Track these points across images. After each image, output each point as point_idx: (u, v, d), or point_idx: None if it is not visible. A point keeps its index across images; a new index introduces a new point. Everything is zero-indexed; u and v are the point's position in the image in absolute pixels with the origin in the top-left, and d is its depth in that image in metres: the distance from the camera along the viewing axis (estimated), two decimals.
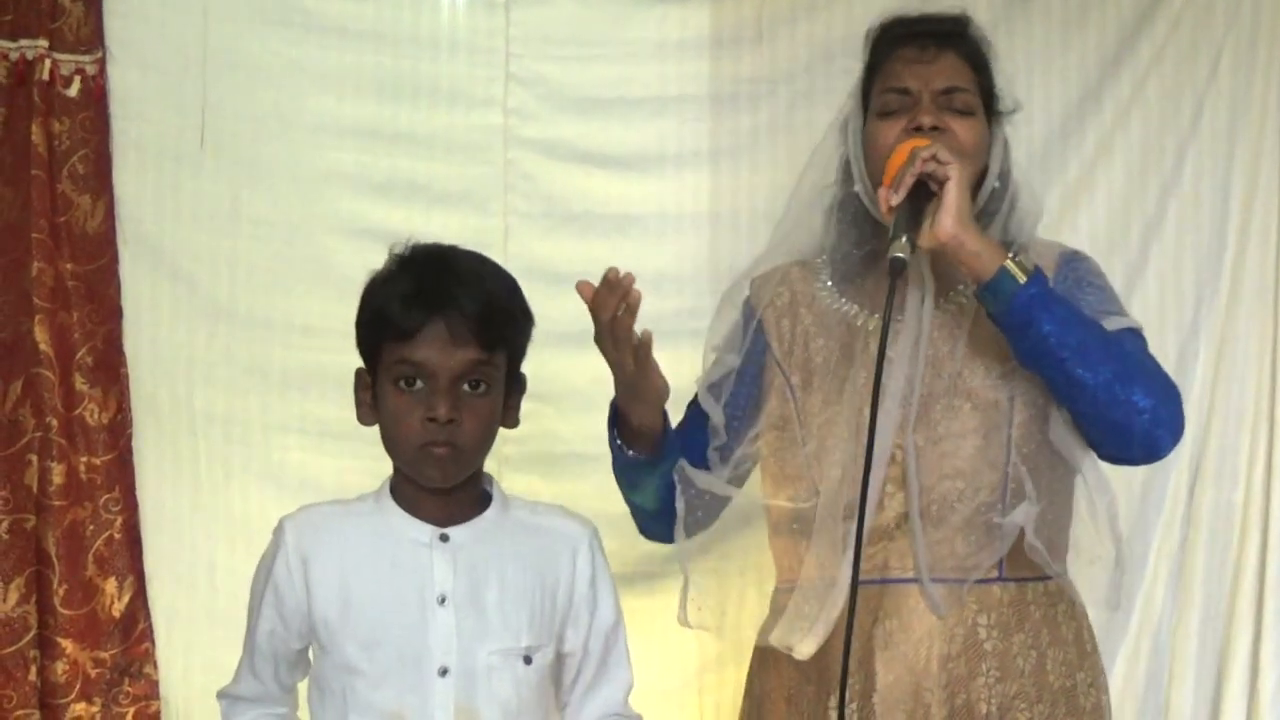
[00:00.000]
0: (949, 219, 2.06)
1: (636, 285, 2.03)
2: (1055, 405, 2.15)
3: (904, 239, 2.03)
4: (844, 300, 2.27)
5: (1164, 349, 2.25)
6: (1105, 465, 2.18)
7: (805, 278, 2.31)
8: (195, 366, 2.97)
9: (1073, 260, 2.27)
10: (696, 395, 2.30)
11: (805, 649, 2.19)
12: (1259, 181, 3.10)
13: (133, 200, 2.95)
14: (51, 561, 2.85)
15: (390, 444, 2.01)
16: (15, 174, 2.88)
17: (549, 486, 2.80)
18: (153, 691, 2.91)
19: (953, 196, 2.06)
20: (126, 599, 2.90)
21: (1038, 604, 2.20)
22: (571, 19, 3.07)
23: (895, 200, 2.07)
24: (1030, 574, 2.18)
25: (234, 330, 2.98)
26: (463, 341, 1.94)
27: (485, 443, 2.02)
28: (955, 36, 2.24)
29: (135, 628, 2.91)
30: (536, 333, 2.06)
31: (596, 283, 2.03)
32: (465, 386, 1.96)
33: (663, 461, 2.21)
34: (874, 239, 2.21)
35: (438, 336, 1.94)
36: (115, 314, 2.93)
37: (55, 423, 2.85)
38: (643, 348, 2.07)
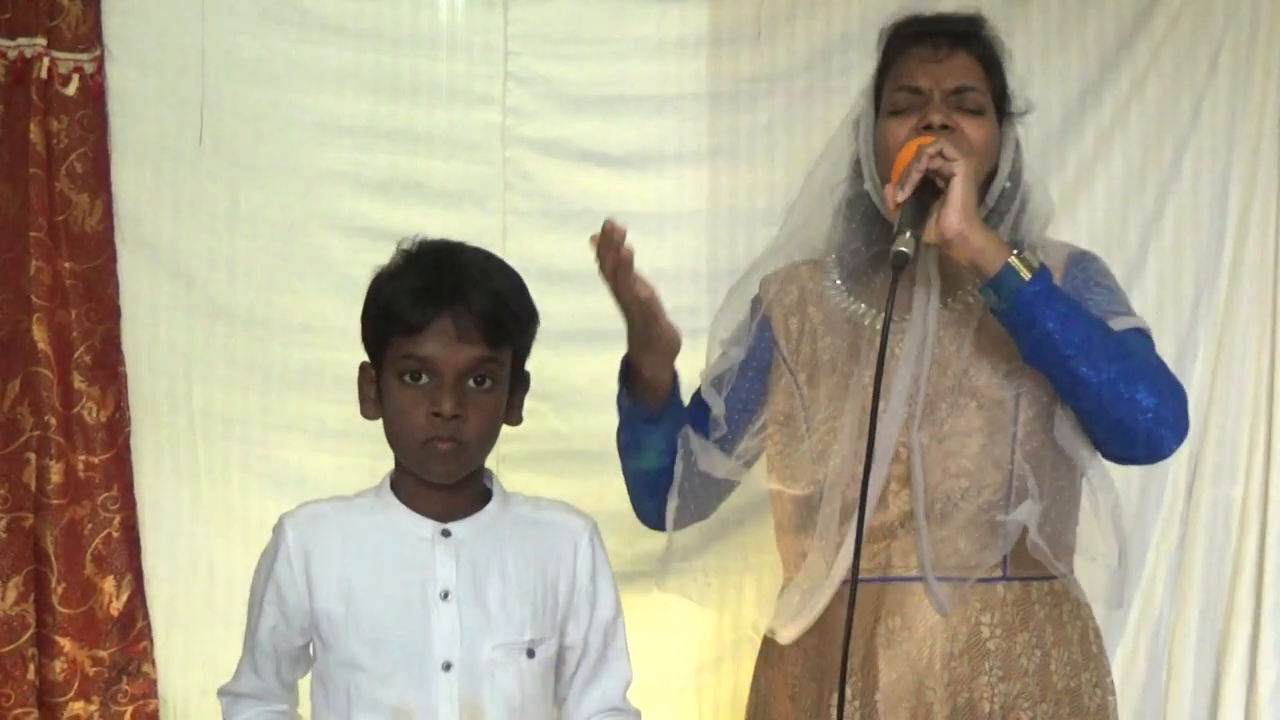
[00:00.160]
0: (954, 214, 2.06)
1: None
2: (1060, 404, 2.15)
3: (908, 234, 2.03)
4: (852, 299, 2.27)
5: (1162, 346, 2.24)
6: (1107, 463, 2.19)
7: (815, 276, 2.32)
8: (194, 365, 2.97)
9: (1081, 260, 2.27)
10: (700, 388, 2.31)
11: (785, 635, 2.22)
12: (1258, 179, 3.11)
13: (131, 199, 2.95)
14: (50, 560, 2.85)
15: (394, 439, 2.01)
16: (13, 172, 2.88)
17: (548, 485, 2.80)
18: (151, 690, 2.91)
19: (958, 192, 2.06)
20: (125, 597, 2.90)
21: (1042, 603, 2.20)
22: (570, 17, 3.07)
23: (901, 197, 2.08)
24: (1035, 573, 2.18)
25: (233, 328, 2.98)
26: (469, 338, 1.95)
27: (489, 439, 2.02)
28: (968, 36, 2.25)
29: (133, 626, 2.91)
30: (536, 336, 2.07)
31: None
32: (470, 383, 1.96)
33: (669, 418, 2.22)
34: (883, 238, 2.20)
35: (445, 332, 1.94)
36: (113, 312, 2.93)
37: (53, 421, 2.85)
38: (651, 298, 2.10)
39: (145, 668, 2.91)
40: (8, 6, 2.87)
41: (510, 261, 2.08)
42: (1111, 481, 2.18)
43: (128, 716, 2.89)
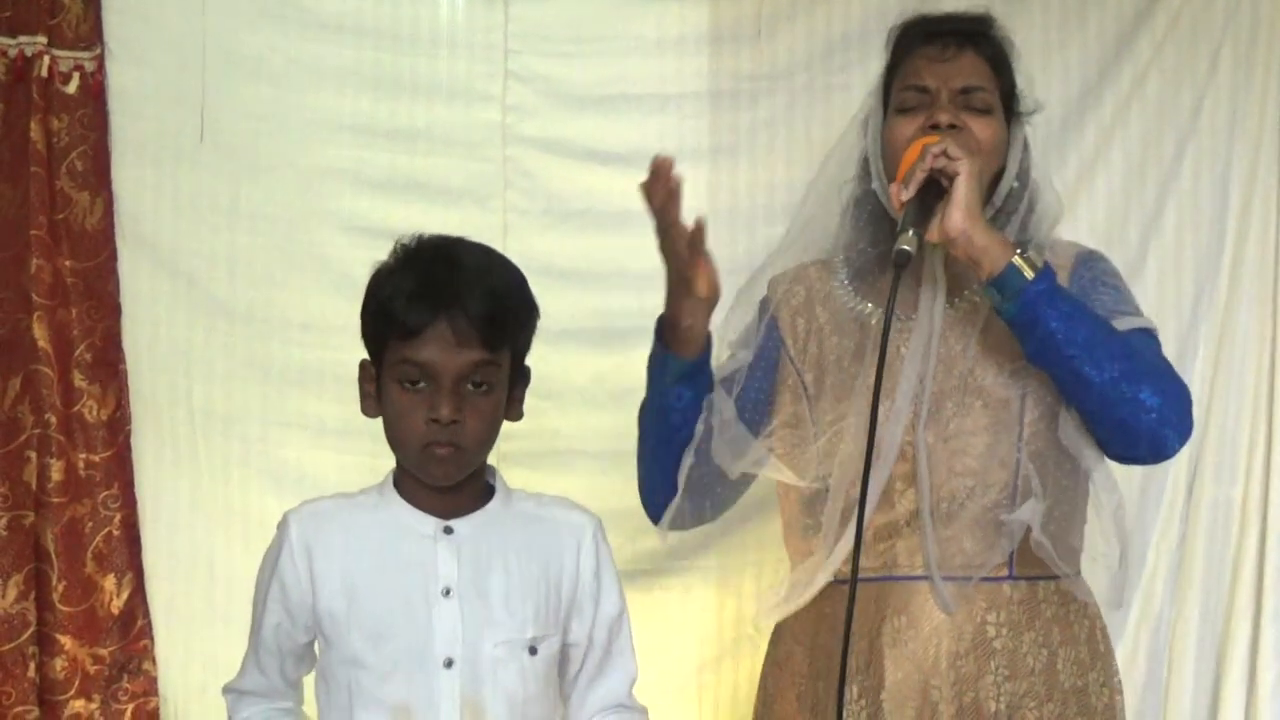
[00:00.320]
0: (958, 213, 2.06)
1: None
2: (1064, 404, 2.15)
3: (910, 233, 2.04)
4: (859, 298, 2.28)
5: (1163, 344, 2.25)
6: (1110, 463, 2.19)
7: (822, 276, 2.32)
8: (194, 363, 2.97)
9: (1089, 259, 2.28)
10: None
11: (762, 620, 2.27)
12: (1258, 177, 3.11)
13: (131, 197, 2.95)
14: (50, 558, 2.84)
15: (393, 442, 2.01)
16: (14, 171, 2.87)
17: (548, 483, 2.78)
18: (151, 688, 2.91)
19: (962, 192, 2.07)
20: (125, 595, 2.90)
21: (1049, 603, 2.20)
22: (570, 15, 3.07)
23: (905, 196, 2.08)
24: (1041, 573, 2.18)
25: (233, 326, 2.97)
26: (467, 342, 1.94)
27: (488, 440, 2.02)
28: (976, 36, 2.25)
29: (134, 624, 2.90)
30: (536, 330, 2.06)
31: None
32: (469, 386, 1.96)
33: (702, 376, 2.23)
34: (890, 237, 2.19)
35: (441, 337, 1.93)
36: (114, 310, 2.92)
37: (54, 419, 2.84)
38: (696, 234, 2.10)
39: (146, 665, 2.91)
40: (8, 5, 2.87)
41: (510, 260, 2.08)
42: (1115, 482, 2.18)
43: (128, 714, 2.89)
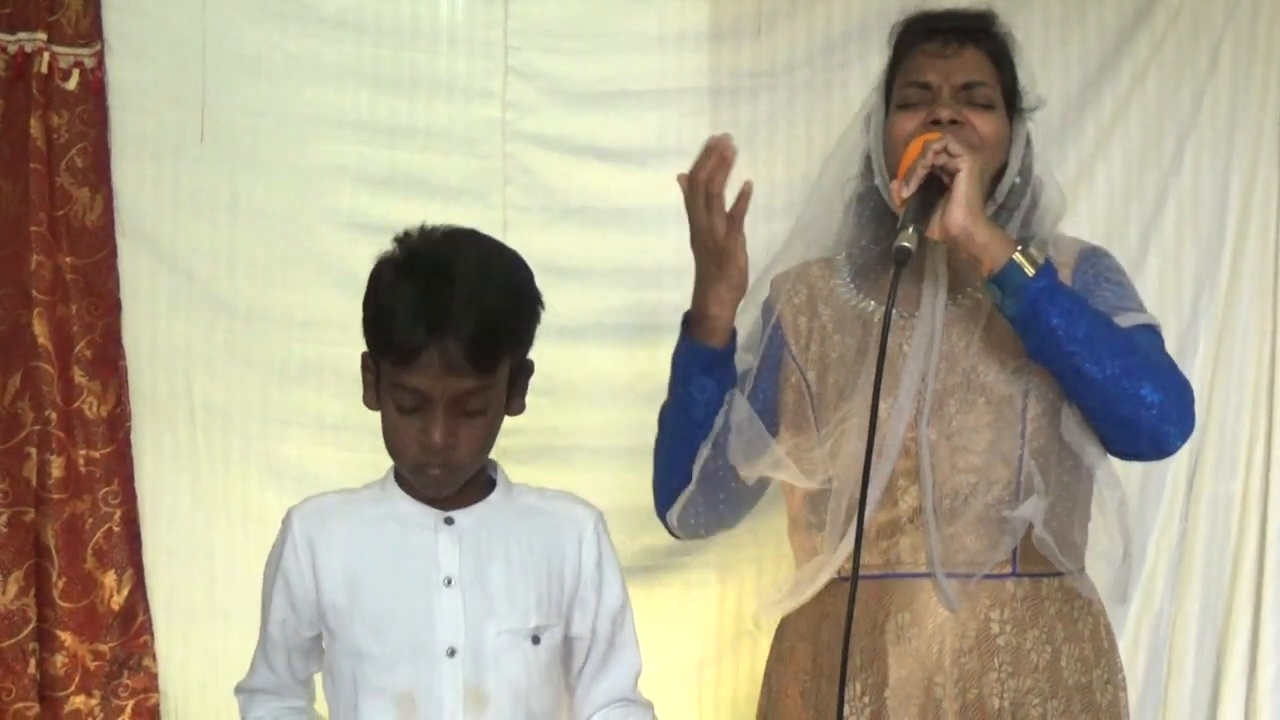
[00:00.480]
0: (959, 210, 2.07)
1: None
2: (1066, 401, 2.15)
3: (910, 229, 2.04)
4: (861, 295, 2.28)
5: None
6: (1112, 459, 2.19)
7: (825, 274, 2.32)
8: (194, 359, 2.96)
9: (1092, 256, 2.28)
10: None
11: (763, 617, 2.28)
12: (1258, 173, 3.10)
13: (132, 193, 2.94)
14: (50, 554, 2.84)
15: (389, 451, 2.02)
16: (14, 167, 2.87)
17: (548, 479, 2.78)
18: (152, 684, 2.91)
19: (962, 188, 2.07)
20: (125, 592, 2.89)
21: (1053, 599, 2.20)
22: (570, 12, 3.06)
23: (906, 192, 2.08)
24: (1045, 569, 2.19)
25: (233, 323, 2.97)
26: (459, 370, 1.92)
27: (483, 451, 2.03)
28: (978, 32, 2.26)
29: (134, 620, 2.90)
30: (537, 327, 2.06)
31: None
32: (462, 411, 1.95)
33: (726, 369, 2.24)
34: (892, 234, 2.20)
35: (433, 364, 1.91)
36: (114, 307, 2.92)
37: (54, 416, 2.84)
38: (741, 200, 2.12)
39: (146, 662, 2.91)
40: (8, 1, 2.87)
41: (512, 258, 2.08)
42: (1118, 479, 2.18)
43: (129, 710, 2.88)
